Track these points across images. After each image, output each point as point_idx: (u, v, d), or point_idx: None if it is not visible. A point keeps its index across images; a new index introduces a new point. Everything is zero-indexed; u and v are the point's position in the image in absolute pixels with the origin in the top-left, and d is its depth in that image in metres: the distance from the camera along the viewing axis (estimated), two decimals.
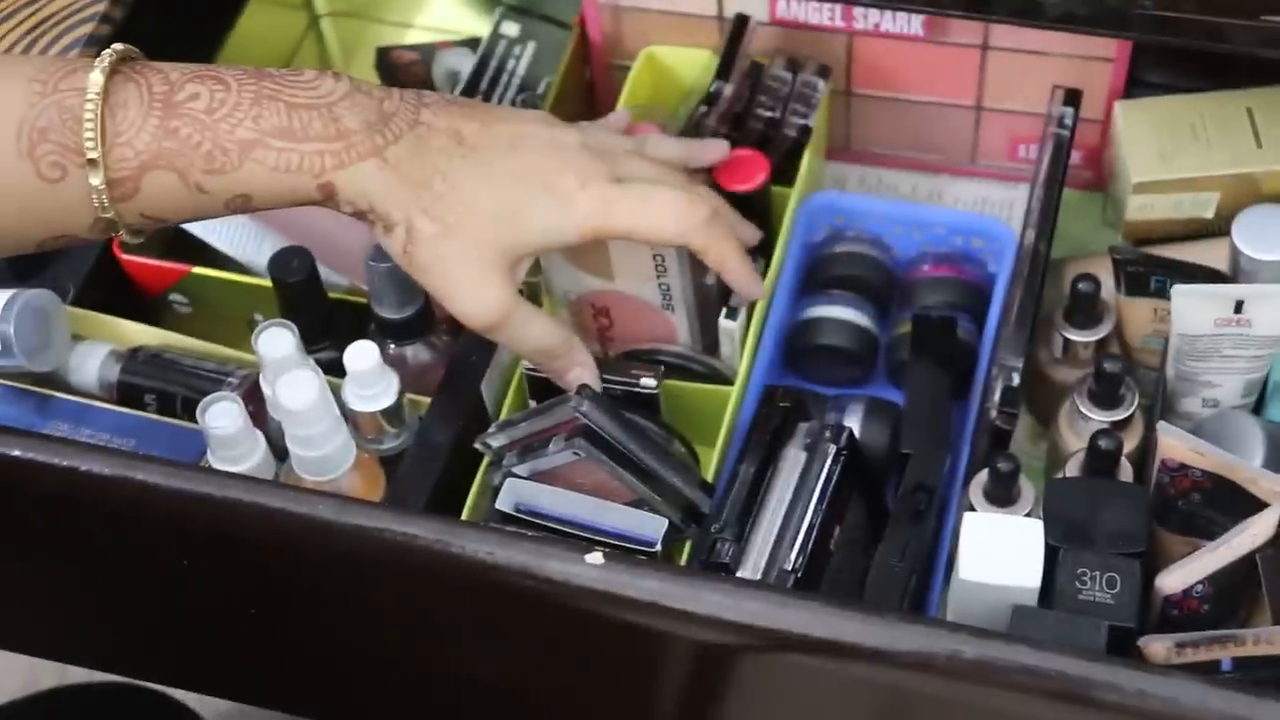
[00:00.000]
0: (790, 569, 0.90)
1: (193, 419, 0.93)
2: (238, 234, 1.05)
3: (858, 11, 1.09)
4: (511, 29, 1.17)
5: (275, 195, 0.86)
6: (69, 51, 1.09)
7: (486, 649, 0.88)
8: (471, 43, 1.20)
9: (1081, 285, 0.99)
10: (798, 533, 0.91)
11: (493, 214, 0.88)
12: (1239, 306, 0.94)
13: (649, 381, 0.96)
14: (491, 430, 0.95)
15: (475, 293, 0.88)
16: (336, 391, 0.94)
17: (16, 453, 0.83)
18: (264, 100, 0.84)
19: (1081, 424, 0.97)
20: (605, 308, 1.03)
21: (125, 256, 1.07)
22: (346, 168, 0.85)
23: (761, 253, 1.06)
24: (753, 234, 1.01)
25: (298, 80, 0.86)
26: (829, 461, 0.93)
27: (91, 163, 0.82)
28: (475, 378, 0.98)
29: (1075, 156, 1.10)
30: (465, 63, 1.17)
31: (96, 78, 0.82)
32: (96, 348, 1.02)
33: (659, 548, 0.90)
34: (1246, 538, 0.87)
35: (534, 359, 0.95)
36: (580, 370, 0.94)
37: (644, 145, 0.98)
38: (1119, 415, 0.96)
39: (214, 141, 0.83)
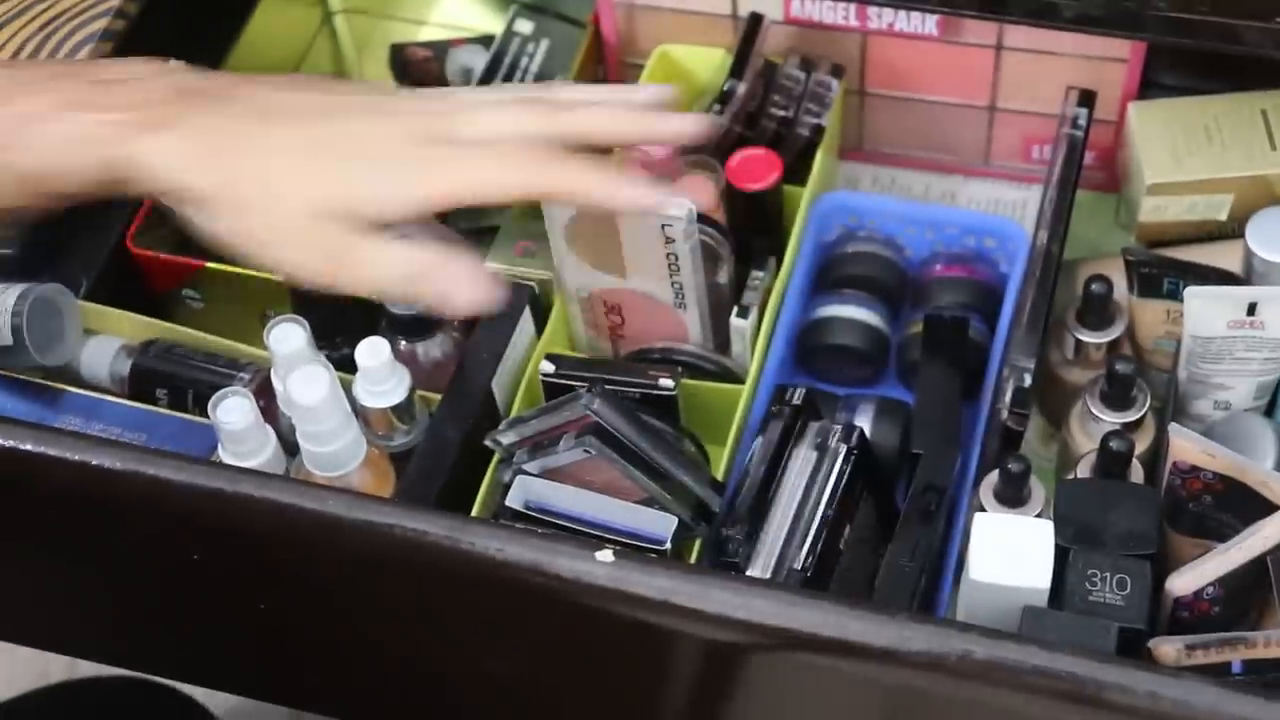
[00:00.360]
0: (800, 568, 0.90)
1: (204, 414, 0.93)
2: None
3: (872, 11, 1.09)
4: (525, 26, 1.17)
5: (71, 170, 0.82)
6: (83, 47, 1.10)
7: (495, 646, 0.88)
8: (485, 40, 1.19)
9: (1094, 286, 0.99)
10: (808, 532, 0.91)
11: (304, 179, 0.83)
12: (1252, 309, 0.93)
13: (667, 383, 0.96)
14: (502, 427, 0.95)
15: (298, 246, 0.83)
16: (347, 387, 0.94)
17: (28, 447, 0.83)
18: (60, 77, 0.82)
19: (1093, 425, 0.97)
20: (617, 305, 1.03)
21: (138, 250, 1.07)
22: (146, 138, 0.82)
23: (773, 252, 1.06)
24: (677, 125, 0.91)
25: (104, 63, 0.83)
26: (839, 461, 0.93)
27: None
28: (486, 374, 0.98)
29: (1089, 157, 1.10)
30: (479, 60, 1.17)
31: None
32: (108, 342, 1.02)
33: (669, 546, 0.90)
34: (1258, 540, 0.87)
35: (399, 297, 0.90)
36: (454, 288, 0.85)
37: (551, 91, 0.92)
38: (1130, 417, 0.96)
39: (3, 117, 0.80)
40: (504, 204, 0.90)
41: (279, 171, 0.84)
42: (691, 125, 0.90)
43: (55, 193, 0.84)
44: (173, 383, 1.00)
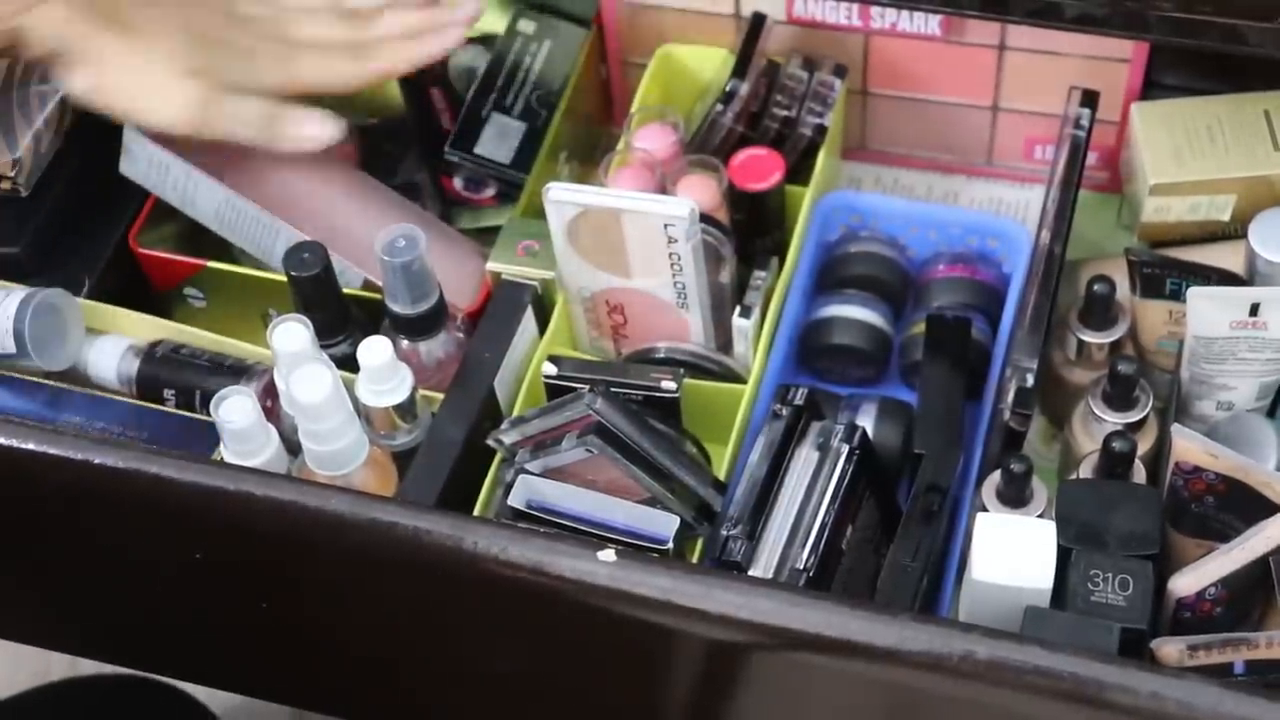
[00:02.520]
0: (802, 568, 0.90)
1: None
2: (252, 229, 1.06)
3: (875, 11, 1.09)
4: (528, 26, 1.17)
5: None
6: None
7: (497, 645, 0.88)
8: (488, 39, 1.19)
9: (1097, 287, 0.99)
10: (810, 532, 0.91)
11: (176, 51, 0.98)
12: (1255, 309, 0.93)
13: (669, 385, 0.96)
14: (504, 426, 0.95)
15: (166, 101, 0.98)
16: (350, 386, 0.94)
17: (30, 446, 0.84)
18: None
19: (1095, 426, 0.97)
20: (620, 305, 1.03)
21: (141, 250, 1.08)
22: (31, 10, 0.94)
23: (776, 252, 1.06)
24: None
25: None
26: (842, 461, 0.93)
27: None
28: (488, 374, 0.98)
29: (1091, 158, 1.10)
30: (481, 59, 1.17)
31: None
32: (115, 342, 1.02)
33: (671, 545, 0.90)
34: (1260, 541, 0.87)
35: (259, 141, 1.01)
36: (309, 128, 1.01)
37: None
38: (1133, 417, 0.96)
39: None
40: (339, 93, 1.06)
41: (154, 40, 0.97)
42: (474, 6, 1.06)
43: None
44: (180, 383, 1.00)
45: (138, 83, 0.98)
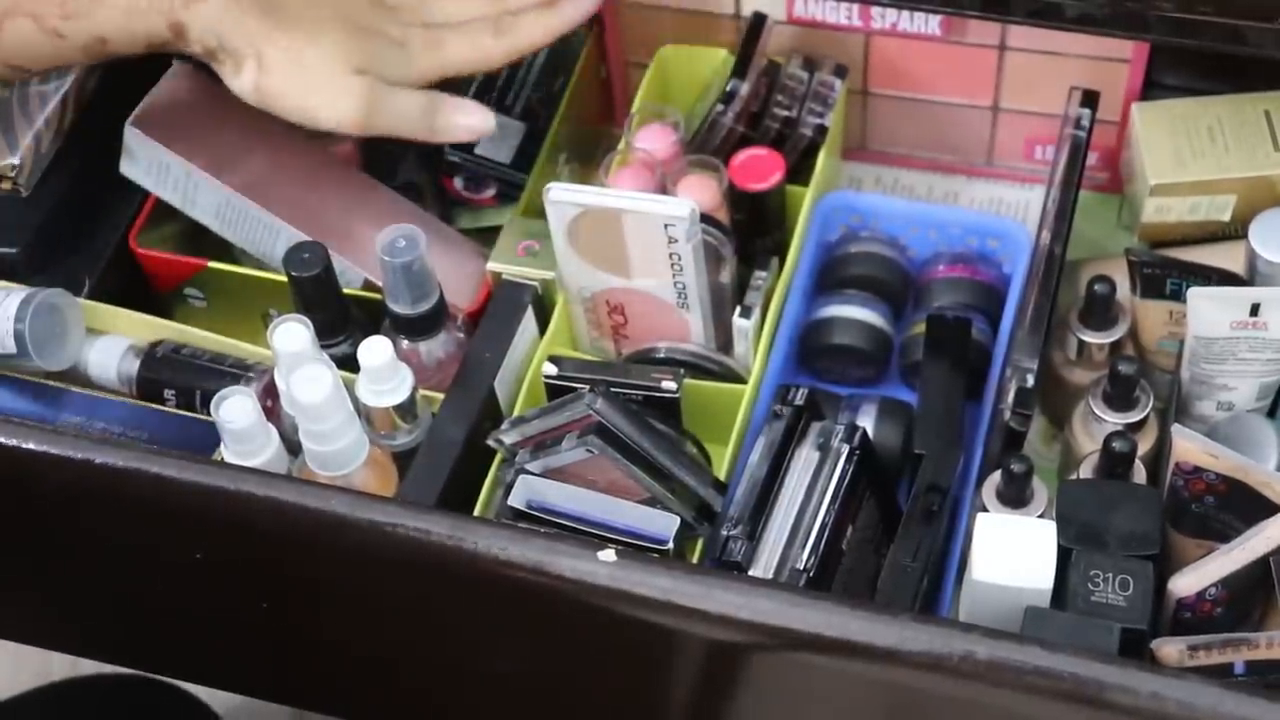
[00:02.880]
0: (802, 568, 0.90)
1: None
2: (253, 229, 1.06)
3: (875, 11, 1.09)
4: None
5: (130, 37, 0.92)
6: None
7: (497, 645, 0.88)
8: None
9: (1097, 287, 0.99)
10: (810, 532, 0.91)
11: (339, 42, 0.95)
12: (1255, 309, 0.93)
13: (670, 385, 0.96)
14: (504, 427, 0.95)
15: (339, 102, 0.95)
16: (350, 386, 0.94)
17: (31, 445, 0.84)
18: None
19: (1095, 426, 0.97)
20: (620, 305, 1.03)
21: (141, 250, 1.08)
22: (194, 5, 0.91)
23: (776, 252, 1.06)
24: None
25: None
26: (842, 461, 0.93)
27: None
28: (489, 374, 0.98)
29: (1091, 158, 1.10)
30: None
31: None
32: (116, 342, 1.02)
33: (671, 546, 0.90)
34: (1261, 541, 0.87)
35: (420, 134, 1.00)
36: (468, 118, 1.00)
37: None
38: (1133, 417, 0.96)
39: None
40: (485, 72, 1.07)
41: (318, 34, 0.95)
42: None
43: (110, 53, 0.93)
44: (181, 383, 1.00)
45: (307, 81, 0.95)
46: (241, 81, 0.95)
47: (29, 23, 0.90)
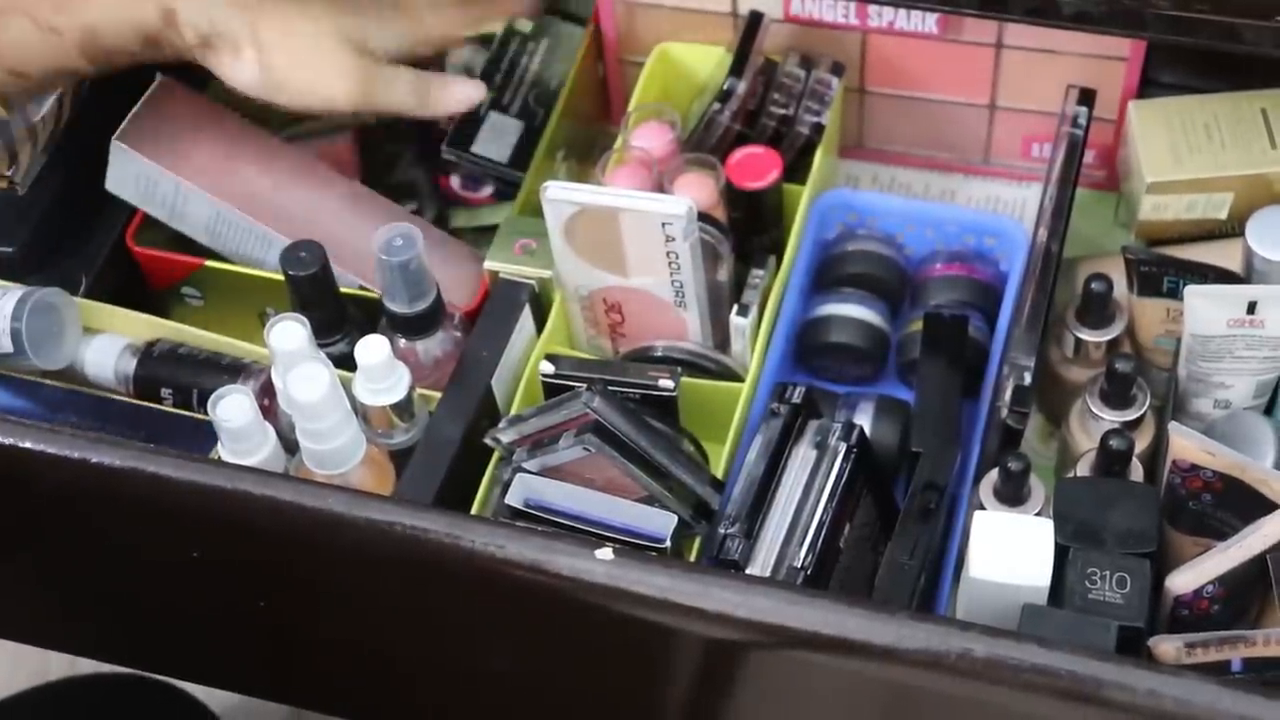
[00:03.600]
0: (800, 566, 0.90)
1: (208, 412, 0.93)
2: (245, 241, 1.06)
3: (872, 9, 1.09)
4: (525, 24, 1.17)
5: (121, 26, 0.91)
6: None
7: (495, 644, 0.88)
8: (486, 39, 1.19)
9: (1094, 285, 0.99)
10: (807, 530, 0.91)
11: (326, 18, 0.95)
12: (1252, 307, 0.93)
13: (667, 383, 0.96)
14: (501, 425, 0.95)
15: (340, 83, 0.96)
16: (347, 385, 0.94)
17: (28, 445, 0.84)
18: None
19: (1093, 424, 0.97)
20: (617, 303, 1.03)
21: (138, 249, 1.07)
22: None
23: (773, 250, 1.06)
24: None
25: None
26: (839, 459, 0.93)
27: None
28: (486, 373, 0.98)
29: (1088, 156, 1.10)
30: (479, 58, 1.17)
31: None
32: (113, 341, 1.02)
33: (669, 544, 0.90)
34: (1258, 538, 0.87)
35: (413, 110, 1.01)
36: (460, 90, 1.02)
37: None
38: (1130, 415, 0.96)
39: None
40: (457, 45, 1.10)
41: (311, 13, 0.94)
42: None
43: (105, 50, 0.92)
44: (178, 382, 1.00)
45: (304, 61, 0.95)
46: (240, 67, 0.94)
47: (24, 20, 0.90)
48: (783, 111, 1.08)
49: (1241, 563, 0.87)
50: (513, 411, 0.99)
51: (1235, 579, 0.87)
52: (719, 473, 0.97)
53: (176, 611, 0.96)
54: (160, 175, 1.04)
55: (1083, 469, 0.95)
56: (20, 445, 0.84)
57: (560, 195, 0.98)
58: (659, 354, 1.03)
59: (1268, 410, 0.98)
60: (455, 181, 1.13)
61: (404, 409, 0.95)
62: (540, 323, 1.03)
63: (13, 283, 1.01)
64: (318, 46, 0.95)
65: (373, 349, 0.93)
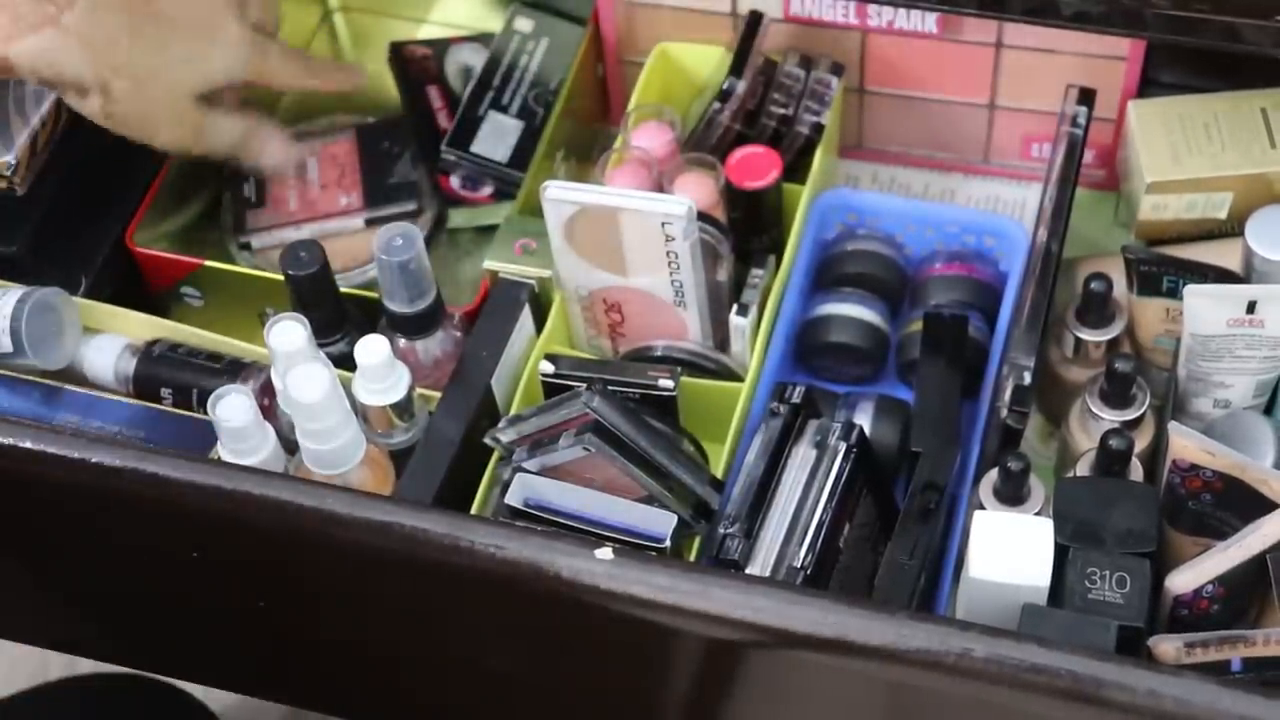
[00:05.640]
0: (799, 566, 0.90)
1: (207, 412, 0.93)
2: None
3: (872, 9, 1.09)
4: (525, 24, 1.17)
5: None
6: None
7: (495, 643, 0.88)
8: (485, 38, 1.19)
9: (1094, 285, 0.99)
10: (807, 530, 0.91)
11: (177, 62, 0.98)
12: (1251, 307, 0.93)
13: (667, 383, 0.96)
14: (501, 425, 0.95)
15: (176, 129, 1.00)
16: (347, 385, 0.94)
17: (28, 444, 0.84)
18: None
19: (1092, 423, 0.97)
20: (617, 303, 1.03)
21: (138, 249, 1.07)
22: (17, 40, 0.91)
23: (773, 250, 1.06)
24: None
25: None
26: (839, 459, 0.93)
27: None
28: (485, 372, 0.98)
29: (1088, 156, 1.10)
30: (479, 58, 1.17)
31: None
32: (112, 341, 1.02)
33: (668, 544, 0.90)
34: (1257, 538, 0.87)
35: (237, 154, 1.05)
36: (276, 147, 1.06)
37: None
38: (1130, 415, 0.96)
39: None
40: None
41: (154, 62, 0.97)
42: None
43: None
44: (178, 382, 1.00)
45: (148, 111, 0.98)
46: (84, 105, 0.97)
47: None
48: (782, 111, 1.08)
49: (1241, 562, 0.87)
50: (513, 411, 0.99)
51: (1235, 579, 0.87)
52: (719, 473, 0.97)
53: (176, 611, 0.96)
54: None
55: (1082, 469, 0.95)
56: (20, 445, 0.84)
57: (560, 195, 0.98)
58: (659, 354, 1.03)
59: (1268, 410, 0.98)
60: (455, 181, 1.13)
61: (404, 409, 0.95)
62: (540, 323, 1.03)
63: (13, 283, 1.01)
64: (161, 99, 0.98)
65: (373, 349, 0.93)
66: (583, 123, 1.17)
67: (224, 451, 0.92)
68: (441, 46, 1.21)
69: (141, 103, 0.97)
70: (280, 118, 1.17)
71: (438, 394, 0.98)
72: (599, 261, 1.01)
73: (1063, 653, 0.74)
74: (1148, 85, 1.09)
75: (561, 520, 0.91)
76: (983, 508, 0.93)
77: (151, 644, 1.04)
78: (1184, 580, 0.88)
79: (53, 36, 0.92)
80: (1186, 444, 0.90)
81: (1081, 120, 1.02)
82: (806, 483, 0.93)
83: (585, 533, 0.90)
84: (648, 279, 1.01)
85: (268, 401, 0.97)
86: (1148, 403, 0.97)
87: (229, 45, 1.01)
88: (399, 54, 1.21)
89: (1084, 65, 1.07)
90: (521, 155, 1.12)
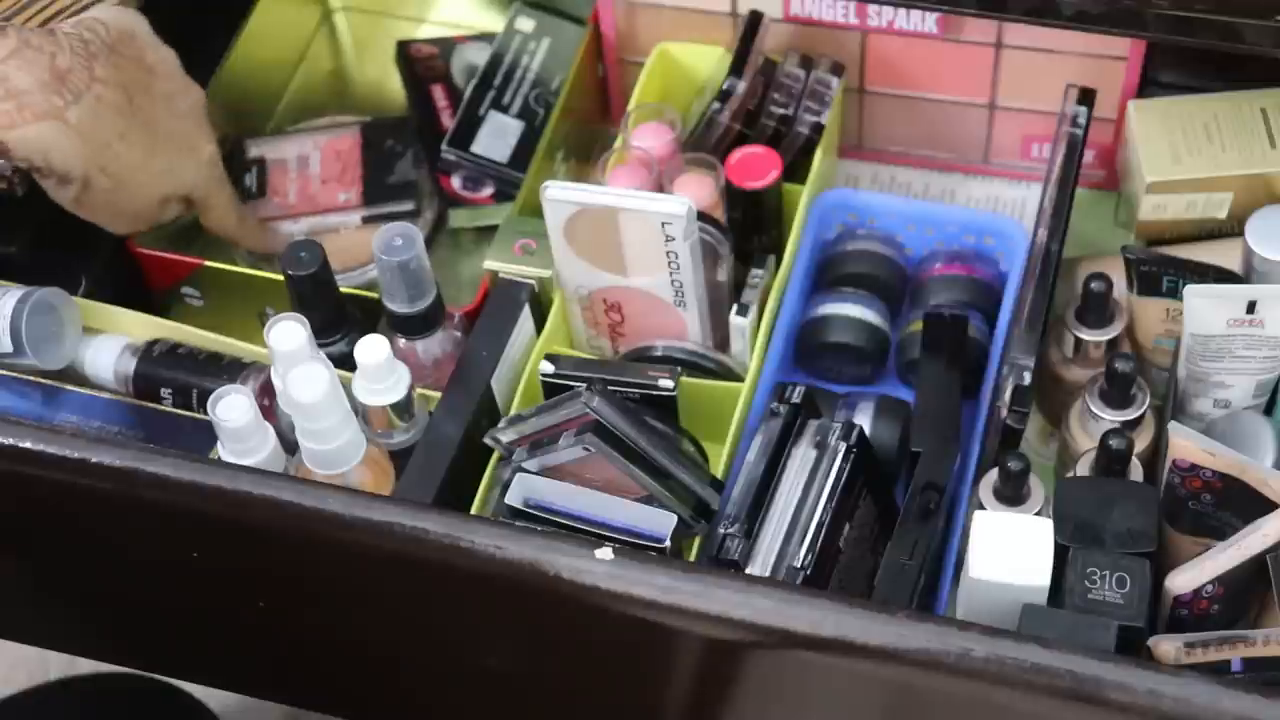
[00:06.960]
0: (799, 566, 0.90)
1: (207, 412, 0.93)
2: None
3: (872, 9, 1.09)
4: (526, 24, 1.17)
5: None
6: None
7: (495, 643, 0.88)
8: (489, 38, 1.20)
9: (1094, 285, 0.99)
10: (807, 530, 0.91)
11: (158, 170, 1.00)
12: (1251, 307, 0.93)
13: (666, 383, 0.96)
14: (501, 425, 0.95)
15: (135, 223, 1.02)
16: (347, 385, 0.94)
17: (28, 444, 0.84)
18: None
19: (1092, 423, 0.97)
20: (617, 303, 1.03)
21: (138, 249, 1.08)
22: (20, 127, 0.92)
23: (773, 250, 1.06)
24: None
25: None
26: (839, 459, 0.93)
27: None
28: (485, 372, 0.98)
29: (1088, 156, 1.10)
30: (484, 57, 1.18)
31: None
32: (113, 341, 1.02)
33: (669, 544, 0.90)
34: (1257, 538, 0.87)
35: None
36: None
37: None
38: (1130, 415, 0.96)
39: None
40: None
41: (137, 166, 0.99)
42: None
43: None
44: (178, 382, 1.00)
45: (119, 205, 1.00)
46: (59, 193, 0.98)
47: None
48: (782, 111, 1.08)
49: (1241, 562, 0.87)
50: (512, 411, 0.99)
51: (1234, 579, 0.87)
52: (719, 473, 0.97)
53: (176, 611, 0.96)
54: None
55: (1082, 469, 0.95)
56: (20, 445, 0.84)
57: (560, 195, 0.98)
58: (659, 354, 1.03)
59: (1268, 410, 0.98)
60: (456, 181, 1.13)
61: (404, 409, 0.95)
62: (540, 322, 1.03)
63: (13, 283, 1.01)
64: (133, 198, 1.00)
65: (372, 349, 0.93)
66: (583, 123, 1.17)
67: (224, 451, 0.92)
68: (448, 46, 1.21)
69: (115, 199, 0.99)
70: (280, 118, 1.18)
71: (438, 394, 0.98)
72: (599, 261, 1.01)
73: (1063, 653, 0.74)
74: (1148, 85, 1.09)
75: (561, 520, 0.91)
76: (983, 508, 0.93)
77: (151, 644, 1.04)
78: (1184, 580, 0.88)
79: (55, 129, 0.94)
80: (1186, 444, 0.90)
81: (1081, 120, 1.02)
82: (806, 483, 0.93)
83: (585, 533, 0.90)
84: (648, 279, 1.01)
85: (268, 401, 0.97)
86: (1148, 403, 0.97)
87: (201, 163, 1.03)
88: (405, 53, 1.21)
89: (1084, 65, 1.07)
90: (522, 155, 1.12)
